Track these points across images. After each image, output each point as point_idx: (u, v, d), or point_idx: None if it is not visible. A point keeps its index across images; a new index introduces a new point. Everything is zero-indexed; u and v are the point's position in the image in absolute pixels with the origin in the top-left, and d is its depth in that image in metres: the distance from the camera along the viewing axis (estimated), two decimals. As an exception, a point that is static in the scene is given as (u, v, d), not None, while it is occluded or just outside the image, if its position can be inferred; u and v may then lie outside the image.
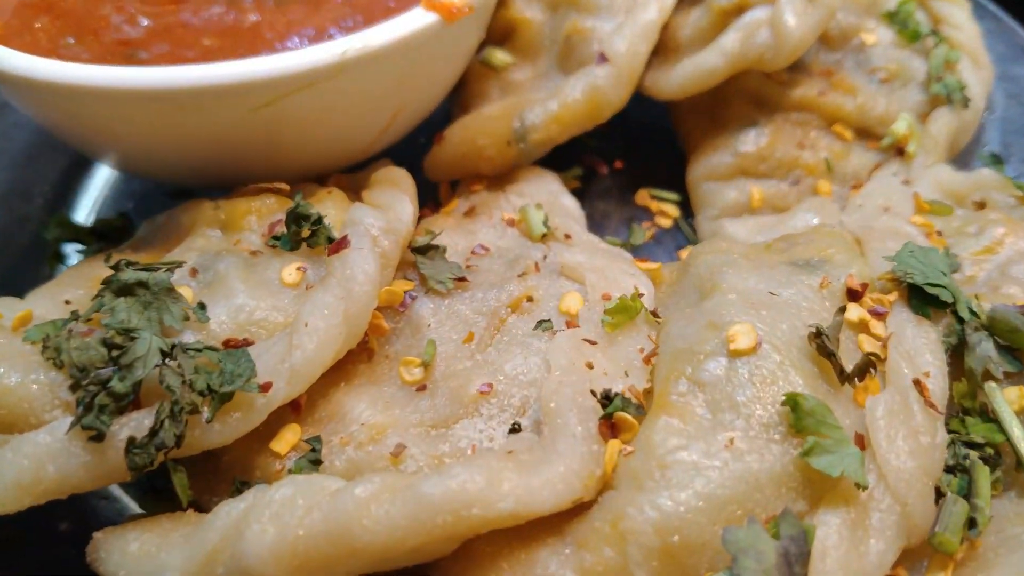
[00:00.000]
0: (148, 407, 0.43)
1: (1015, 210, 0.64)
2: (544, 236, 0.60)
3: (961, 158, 0.76)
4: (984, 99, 0.77)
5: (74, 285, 0.56)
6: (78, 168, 0.80)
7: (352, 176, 0.64)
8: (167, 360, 0.42)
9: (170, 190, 0.72)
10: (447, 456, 0.44)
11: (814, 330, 0.45)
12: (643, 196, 0.75)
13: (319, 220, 0.51)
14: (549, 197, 0.65)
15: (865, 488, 0.40)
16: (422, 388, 0.49)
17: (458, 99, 0.71)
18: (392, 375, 0.50)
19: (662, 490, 0.40)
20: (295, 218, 0.52)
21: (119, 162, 0.71)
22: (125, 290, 0.46)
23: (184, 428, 0.42)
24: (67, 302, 0.53)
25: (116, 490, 0.56)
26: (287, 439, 0.46)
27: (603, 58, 0.67)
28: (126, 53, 0.63)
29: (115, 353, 0.43)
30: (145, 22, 0.64)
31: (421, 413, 0.48)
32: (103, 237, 0.65)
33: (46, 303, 0.52)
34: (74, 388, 0.42)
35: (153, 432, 0.41)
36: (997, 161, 0.76)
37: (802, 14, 0.68)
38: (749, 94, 0.74)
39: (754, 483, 0.40)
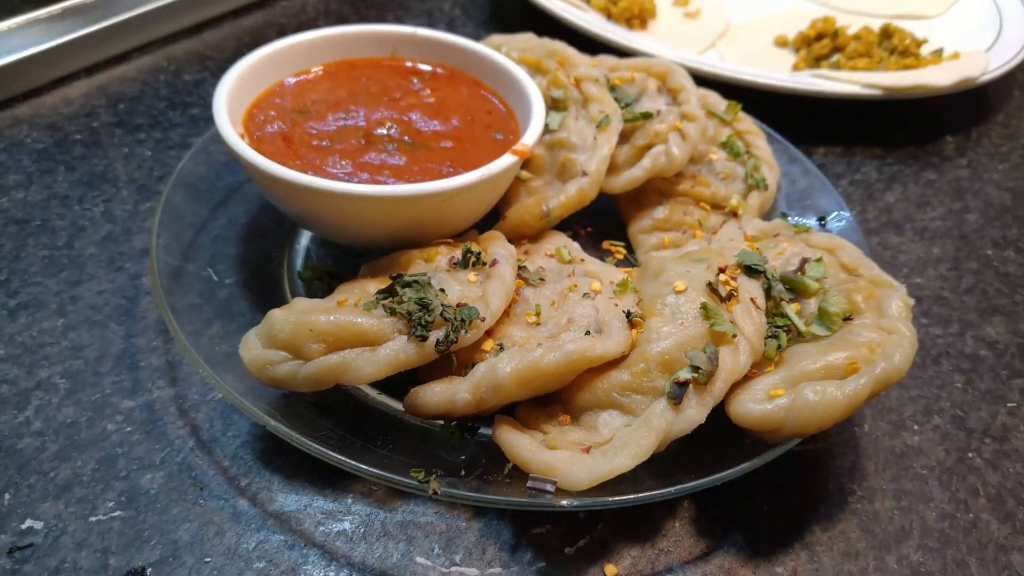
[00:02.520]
0: (437, 328, 0.94)
1: (792, 236, 1.26)
2: (570, 260, 1.16)
3: (765, 217, 1.40)
4: (775, 186, 1.39)
5: (348, 291, 1.06)
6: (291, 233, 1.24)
7: (470, 233, 1.18)
8: (444, 308, 0.94)
9: (355, 251, 1.22)
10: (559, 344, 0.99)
11: (708, 282, 1.02)
12: (606, 244, 1.32)
13: (478, 253, 1.05)
14: (564, 242, 1.22)
15: (735, 337, 0.97)
16: (537, 324, 1.02)
17: (504, 197, 1.28)
18: (521, 320, 1.04)
19: (657, 342, 0.95)
20: (467, 252, 1.05)
21: (334, 236, 1.14)
22: (408, 284, 0.98)
23: (457, 335, 0.94)
24: (357, 296, 1.03)
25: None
26: (489, 344, 0.98)
27: (584, 173, 1.24)
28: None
29: (422, 306, 0.94)
30: (349, 167, 1.16)
31: (541, 332, 1.02)
32: (333, 276, 1.17)
33: (339, 297, 1.03)
34: (407, 322, 0.93)
35: (446, 337, 0.93)
36: (784, 216, 1.40)
37: (681, 148, 1.29)
38: (656, 189, 1.30)
39: (693, 336, 0.95)
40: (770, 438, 0.92)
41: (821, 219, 1.28)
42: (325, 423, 0.92)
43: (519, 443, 0.89)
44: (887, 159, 1.60)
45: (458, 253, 1.05)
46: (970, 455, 1.08)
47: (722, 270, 1.03)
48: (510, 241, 1.12)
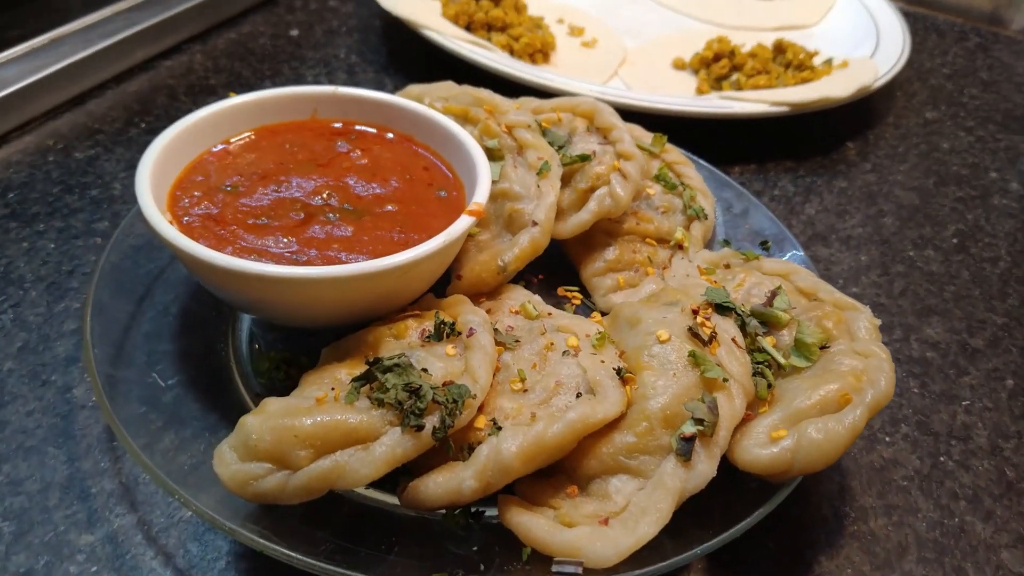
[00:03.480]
0: (430, 413, 0.88)
1: (744, 265, 1.28)
2: (537, 315, 1.13)
3: (709, 246, 1.41)
4: (713, 213, 1.41)
5: (319, 383, 0.99)
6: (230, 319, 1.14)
7: (427, 298, 1.11)
8: (435, 392, 0.89)
9: (305, 330, 1.13)
10: (556, 412, 0.95)
11: (688, 327, 1.01)
12: (561, 291, 1.30)
13: (452, 323, 1.00)
14: (526, 296, 1.18)
15: (726, 381, 0.96)
16: (524, 391, 0.98)
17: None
18: (506, 388, 0.99)
19: (655, 397, 0.93)
20: (440, 324, 1.00)
21: (284, 320, 1.06)
22: (388, 368, 0.92)
23: (452, 419, 0.88)
24: (332, 388, 0.96)
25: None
26: (481, 420, 0.93)
27: (534, 223, 1.22)
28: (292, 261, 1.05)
29: (411, 392, 0.88)
30: (294, 245, 1.08)
31: (531, 399, 0.98)
32: (290, 363, 1.08)
33: (313, 391, 0.96)
34: (398, 411, 0.87)
35: (442, 423, 0.87)
36: (727, 243, 1.41)
37: (624, 187, 1.28)
38: (604, 230, 1.27)
39: (687, 387, 0.94)
40: (776, 479, 0.92)
41: (764, 244, 1.30)
42: (322, 534, 0.85)
43: (534, 525, 0.85)
44: (799, 172, 1.66)
45: (429, 325, 1.00)
46: (941, 459, 1.11)
47: (695, 312, 1.02)
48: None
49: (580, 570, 0.82)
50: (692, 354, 0.94)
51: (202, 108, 1.15)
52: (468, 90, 1.35)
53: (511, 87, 1.52)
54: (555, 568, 0.82)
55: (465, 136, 1.20)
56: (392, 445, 0.84)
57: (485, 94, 1.33)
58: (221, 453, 0.86)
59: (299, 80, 1.68)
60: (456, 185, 1.19)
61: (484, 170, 1.14)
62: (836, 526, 1.02)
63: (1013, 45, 2.26)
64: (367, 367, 0.91)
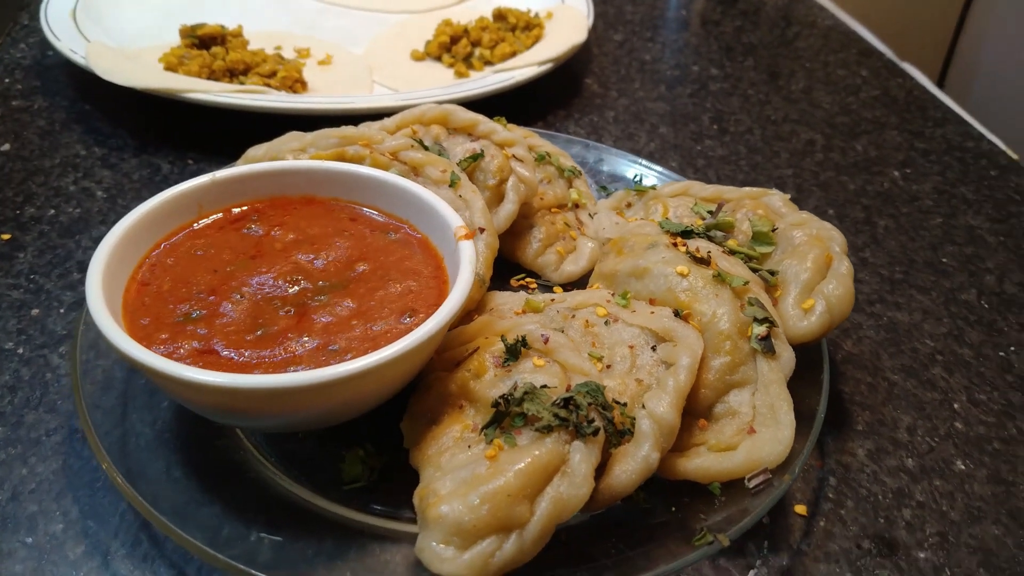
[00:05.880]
0: (585, 413, 0.90)
1: (645, 198, 1.42)
2: (544, 306, 1.17)
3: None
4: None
5: (452, 450, 0.93)
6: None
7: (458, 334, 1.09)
8: (585, 402, 0.91)
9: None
10: (658, 367, 1.03)
11: (689, 256, 1.14)
12: (513, 282, 1.29)
13: (521, 338, 1.01)
14: (513, 297, 1.20)
15: (747, 283, 1.12)
16: (609, 367, 1.03)
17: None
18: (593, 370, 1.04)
19: (720, 319, 1.04)
20: (511, 345, 1.00)
21: (312, 426, 1.00)
22: (519, 400, 0.91)
23: (608, 412, 0.91)
24: (479, 444, 0.91)
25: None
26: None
27: (481, 229, 1.22)
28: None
29: (564, 406, 0.89)
30: (317, 340, 0.98)
31: (623, 369, 1.03)
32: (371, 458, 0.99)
33: (460, 456, 0.91)
34: (565, 429, 0.87)
35: (604, 418, 0.90)
36: (604, 189, 1.53)
37: (528, 170, 1.32)
38: (521, 215, 1.38)
39: (731, 299, 1.06)
40: (820, 338, 1.09)
41: (636, 179, 1.47)
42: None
43: (710, 463, 0.94)
44: (575, 116, 1.84)
45: (496, 349, 1.01)
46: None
47: (675, 245, 1.15)
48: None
49: (770, 475, 0.93)
50: (717, 275, 1.08)
51: (96, 254, 0.98)
52: (326, 133, 1.30)
53: (307, 122, 1.46)
54: (751, 484, 0.92)
55: (377, 173, 1.18)
56: (585, 456, 0.87)
57: (349, 131, 1.30)
58: (432, 552, 0.81)
59: (57, 195, 1.45)
60: (396, 222, 1.17)
61: (425, 193, 1.14)
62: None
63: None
64: (495, 409, 0.91)
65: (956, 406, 1.18)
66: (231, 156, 1.33)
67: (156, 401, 1.03)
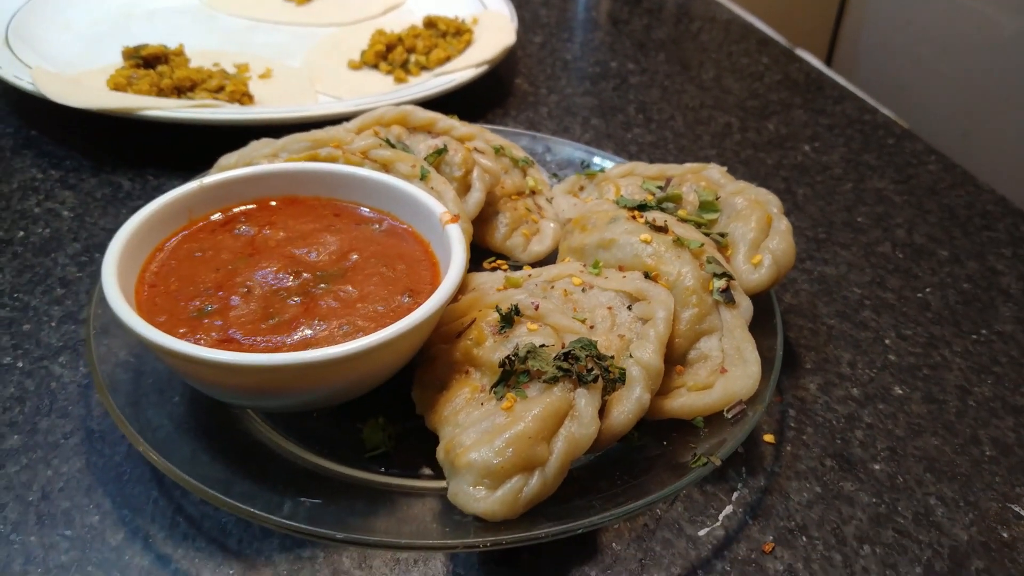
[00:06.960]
0: (584, 363, 1.01)
1: (596, 181, 1.55)
2: (522, 281, 1.27)
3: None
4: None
5: (466, 408, 1.01)
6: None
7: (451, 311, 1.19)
8: (579, 353, 1.02)
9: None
10: (636, 322, 1.14)
11: (648, 226, 1.27)
12: (486, 264, 1.40)
13: (514, 307, 1.11)
14: (492, 277, 1.30)
15: (702, 245, 1.25)
16: (592, 327, 1.14)
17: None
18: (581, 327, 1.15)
19: (684, 278, 1.17)
20: (505, 314, 1.10)
21: (330, 402, 1.07)
22: (524, 358, 1.01)
23: (603, 361, 1.03)
24: (491, 400, 1.00)
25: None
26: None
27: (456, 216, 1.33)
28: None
29: (564, 359, 0.99)
30: (324, 325, 1.05)
31: (605, 327, 1.14)
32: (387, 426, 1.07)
33: (475, 412, 1.00)
34: (570, 379, 0.98)
35: (600, 367, 1.01)
36: (556, 176, 1.65)
37: (490, 160, 1.43)
38: (489, 204, 1.47)
39: (691, 260, 1.20)
40: (768, 289, 1.24)
41: (584, 163, 1.59)
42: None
43: (692, 401, 1.07)
44: (510, 111, 1.96)
45: (492, 319, 1.10)
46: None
47: (634, 218, 1.28)
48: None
49: (744, 406, 1.06)
50: (677, 240, 1.21)
51: (104, 264, 1.04)
52: (296, 137, 1.37)
53: (260, 133, 1.51)
54: (729, 415, 1.05)
55: (357, 170, 1.26)
56: (590, 400, 0.97)
57: (319, 134, 1.37)
58: (467, 494, 0.91)
59: (23, 218, 1.46)
60: (380, 215, 1.25)
61: (405, 185, 1.23)
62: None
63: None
64: (502, 369, 1.01)
65: (887, 342, 1.35)
66: (189, 170, 1.38)
67: (168, 397, 1.08)
